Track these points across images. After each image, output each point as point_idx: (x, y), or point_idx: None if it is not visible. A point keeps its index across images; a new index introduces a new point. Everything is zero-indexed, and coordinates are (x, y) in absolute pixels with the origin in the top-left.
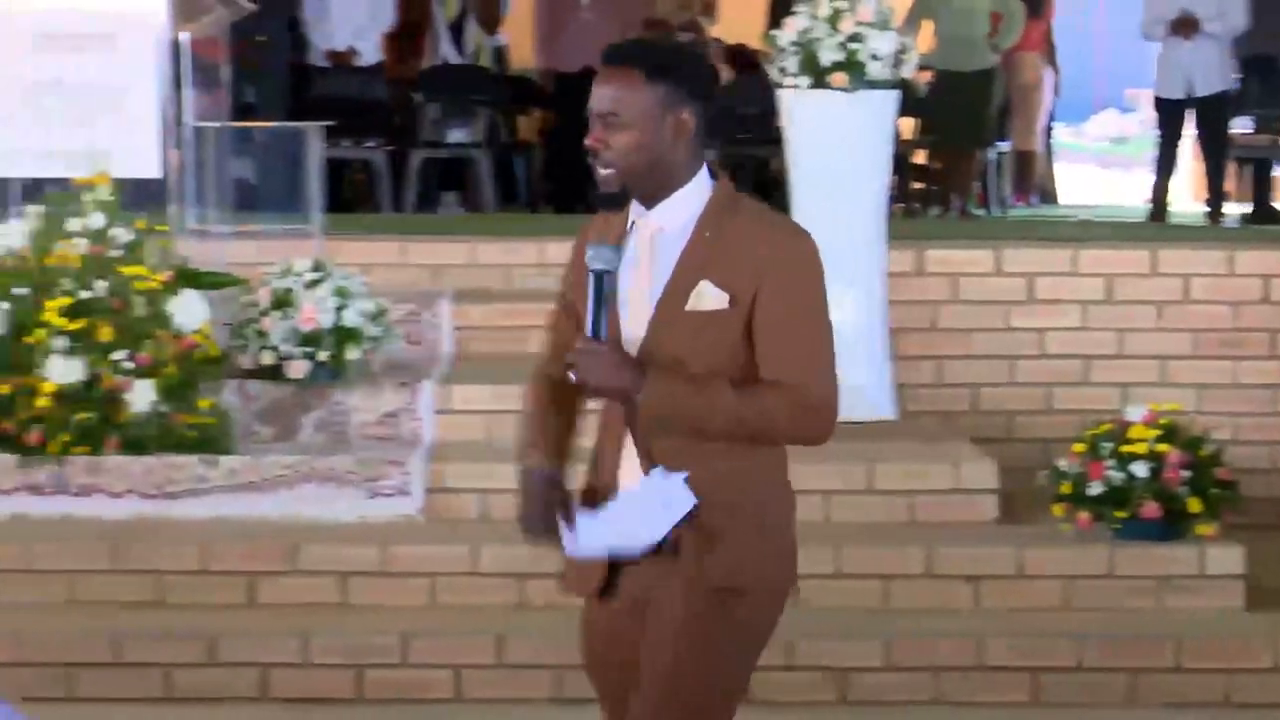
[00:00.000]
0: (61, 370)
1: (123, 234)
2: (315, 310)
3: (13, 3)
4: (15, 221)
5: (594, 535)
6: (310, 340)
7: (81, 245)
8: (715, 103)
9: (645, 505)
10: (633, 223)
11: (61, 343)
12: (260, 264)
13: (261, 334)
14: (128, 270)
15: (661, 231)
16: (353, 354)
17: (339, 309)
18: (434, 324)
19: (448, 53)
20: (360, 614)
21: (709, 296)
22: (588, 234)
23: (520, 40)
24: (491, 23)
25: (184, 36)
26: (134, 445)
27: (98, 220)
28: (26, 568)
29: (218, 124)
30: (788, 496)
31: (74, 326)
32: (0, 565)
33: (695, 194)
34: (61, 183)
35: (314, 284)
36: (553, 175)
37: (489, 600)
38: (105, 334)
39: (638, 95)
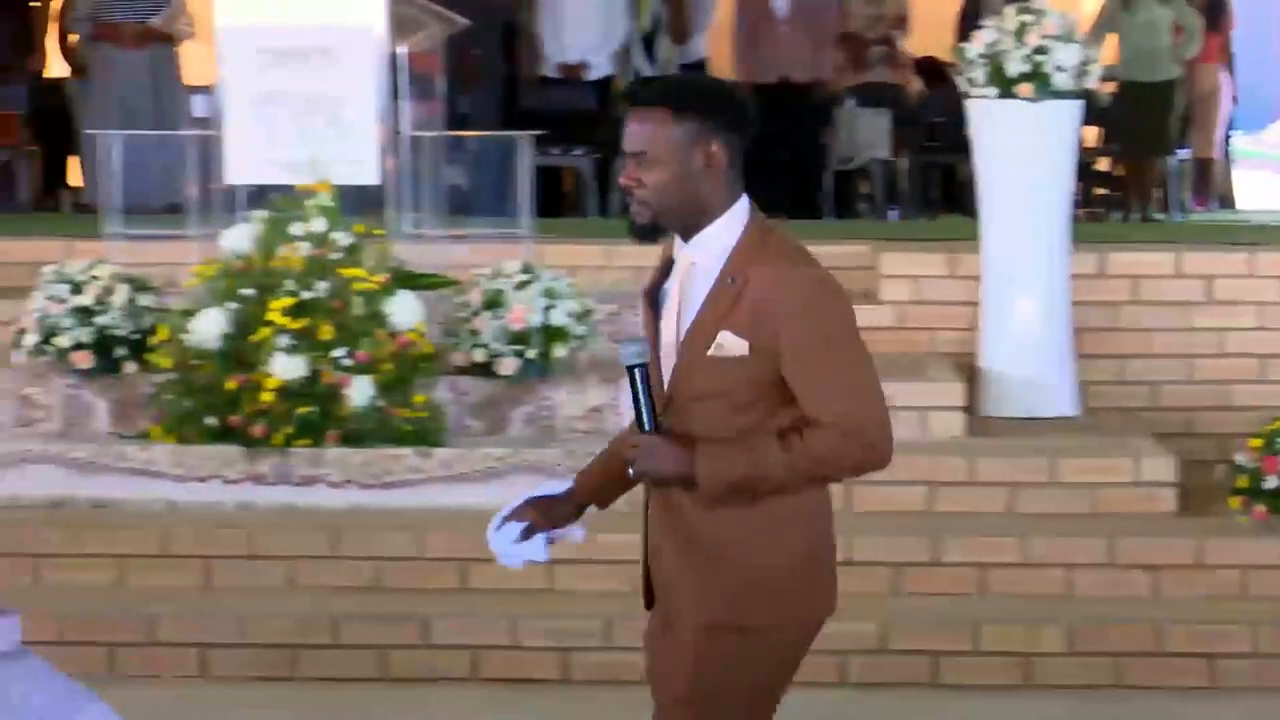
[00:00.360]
0: (285, 367)
1: (343, 238)
2: (524, 310)
3: (242, 20)
4: (242, 226)
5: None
6: (519, 339)
7: (304, 248)
8: (749, 135)
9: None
10: (675, 255)
11: (285, 341)
12: (472, 266)
13: (473, 333)
14: (347, 272)
15: (694, 266)
16: (559, 352)
17: (547, 309)
18: (636, 323)
19: (641, 65)
20: (565, 599)
21: (728, 345)
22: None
23: (720, 53)
24: (682, 35)
25: (401, 50)
26: (353, 438)
27: (319, 225)
28: (251, 554)
29: (433, 133)
30: (803, 532)
31: (296, 325)
32: (226, 551)
33: (727, 229)
34: (285, 189)
35: (523, 285)
36: (750, 183)
37: None
38: (326, 332)
39: (666, 132)
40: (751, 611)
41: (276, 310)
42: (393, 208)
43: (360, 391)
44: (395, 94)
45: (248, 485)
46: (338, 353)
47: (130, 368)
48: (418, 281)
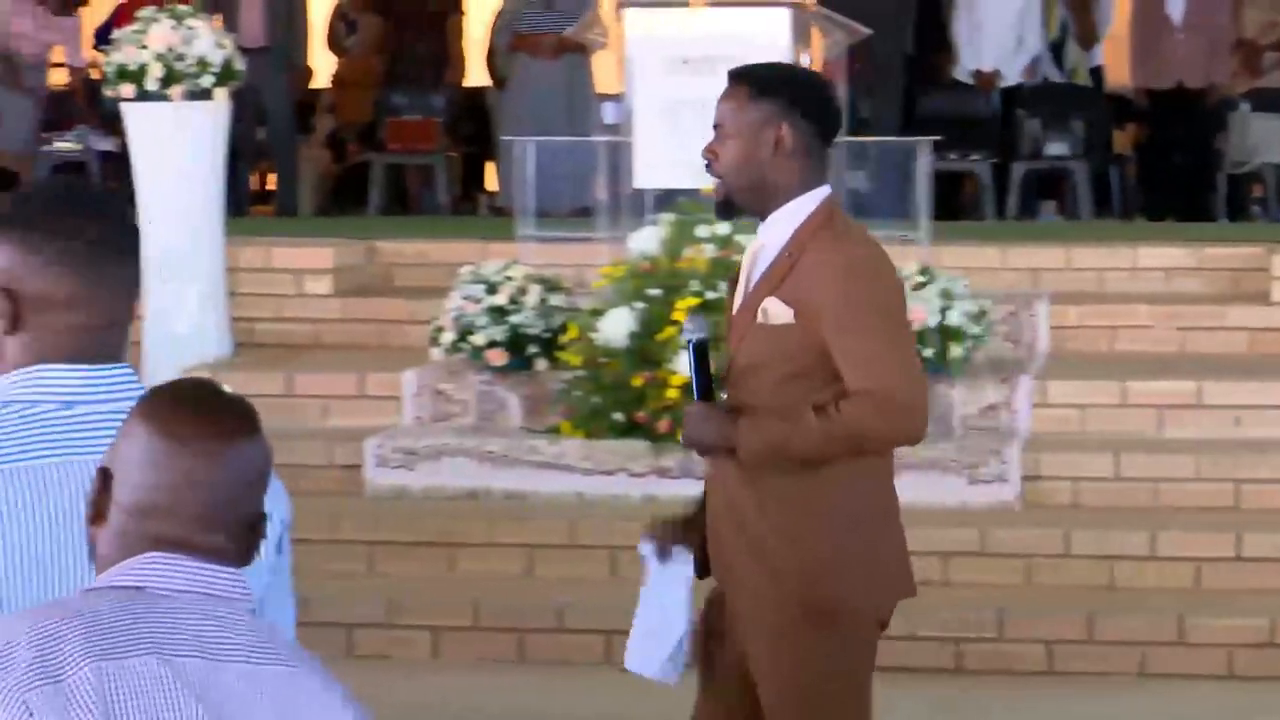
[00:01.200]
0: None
1: (746, 240)
2: (922, 311)
3: (652, 30)
4: (650, 228)
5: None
6: (917, 339)
7: (708, 250)
8: (831, 126)
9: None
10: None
11: None
12: None
13: None
14: None
15: (763, 248)
16: (956, 351)
17: (943, 309)
18: (1031, 324)
19: (1049, 71)
20: (959, 591)
21: (774, 313)
22: None
23: (1117, 60)
24: (1089, 40)
25: (805, 58)
26: None
27: (723, 227)
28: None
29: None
30: (862, 516)
31: None
32: (631, 542)
33: (796, 213)
34: (691, 193)
35: (920, 286)
36: (1146, 186)
37: (1080, 581)
38: None
39: (743, 109)
40: (821, 597)
41: (681, 310)
42: None
43: None
44: None
45: (652, 479)
46: None
47: (541, 365)
48: None
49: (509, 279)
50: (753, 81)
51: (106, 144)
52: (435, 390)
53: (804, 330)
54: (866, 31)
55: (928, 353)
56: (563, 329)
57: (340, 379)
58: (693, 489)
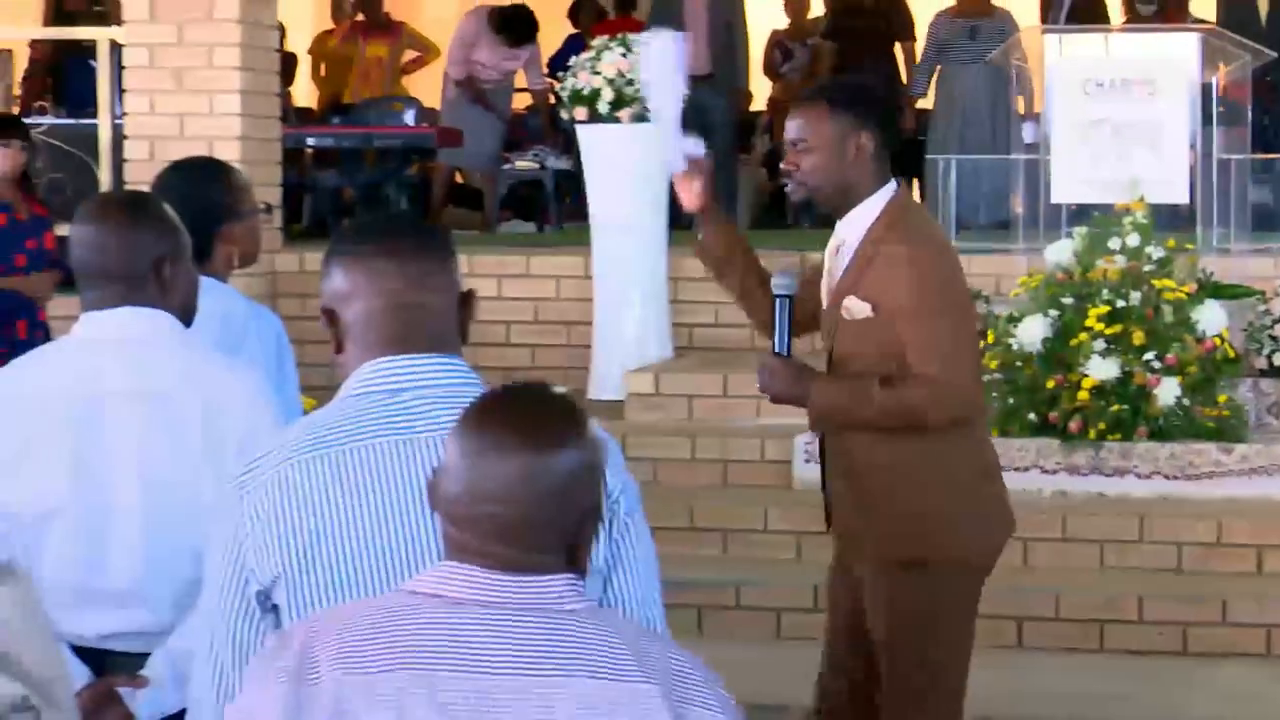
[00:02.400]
0: (1099, 368)
1: (1155, 252)
2: None
3: (1070, 54)
4: (1065, 241)
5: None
6: None
7: (1120, 261)
8: (896, 132)
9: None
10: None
11: (1100, 345)
12: (1276, 277)
13: (1273, 339)
14: (1158, 283)
15: (843, 244)
16: None
17: None
18: None
19: None
20: None
21: (854, 309)
22: None
23: None
24: None
25: (1213, 80)
26: (1160, 434)
27: (1134, 240)
28: (1064, 537)
29: (1240, 156)
30: (965, 466)
31: (1111, 331)
32: (1041, 534)
33: (871, 210)
34: (1104, 208)
35: None
36: None
37: None
38: (1138, 337)
39: (823, 124)
40: (931, 546)
41: (1094, 317)
42: (1201, 224)
43: (1168, 391)
44: (1208, 120)
45: (1063, 475)
46: (1148, 356)
47: None
48: (1223, 291)
49: None
50: (829, 98)
51: (561, 163)
52: None
53: (883, 324)
54: (1272, 54)
55: None
56: (982, 334)
57: None
58: (1097, 485)
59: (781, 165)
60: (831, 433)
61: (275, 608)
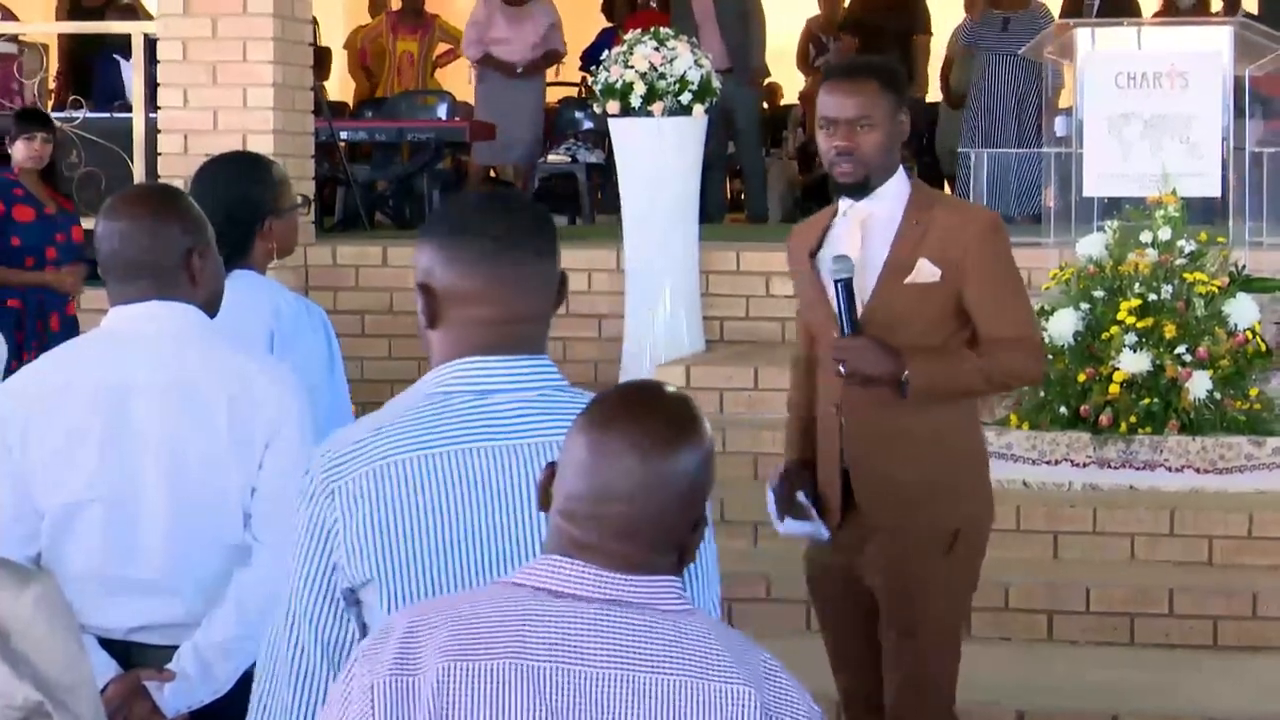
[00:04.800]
0: (1130, 361)
1: (1187, 245)
2: None
3: (1102, 48)
4: (1096, 235)
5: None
6: None
7: (1151, 254)
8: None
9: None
10: (843, 213)
11: (1131, 338)
12: None
13: None
14: (1190, 276)
15: (872, 217)
16: None
17: None
18: None
19: None
20: None
21: (925, 271)
22: (794, 238)
23: None
24: None
25: (1246, 72)
26: (1191, 427)
27: (1166, 233)
28: (1095, 530)
29: (1273, 148)
30: (979, 440)
31: (1142, 324)
32: (1073, 528)
33: (897, 186)
34: (1136, 201)
35: None
36: None
37: None
38: (1169, 331)
39: (881, 101)
40: (964, 517)
41: (1125, 310)
42: (1233, 217)
43: (1199, 385)
44: (1240, 113)
45: (1094, 468)
46: (1179, 349)
47: None
48: (1255, 285)
49: None
50: (880, 76)
51: (593, 156)
52: None
53: (945, 289)
54: None
55: None
56: None
57: None
58: (1128, 479)
59: (836, 144)
60: (854, 411)
61: (359, 602)
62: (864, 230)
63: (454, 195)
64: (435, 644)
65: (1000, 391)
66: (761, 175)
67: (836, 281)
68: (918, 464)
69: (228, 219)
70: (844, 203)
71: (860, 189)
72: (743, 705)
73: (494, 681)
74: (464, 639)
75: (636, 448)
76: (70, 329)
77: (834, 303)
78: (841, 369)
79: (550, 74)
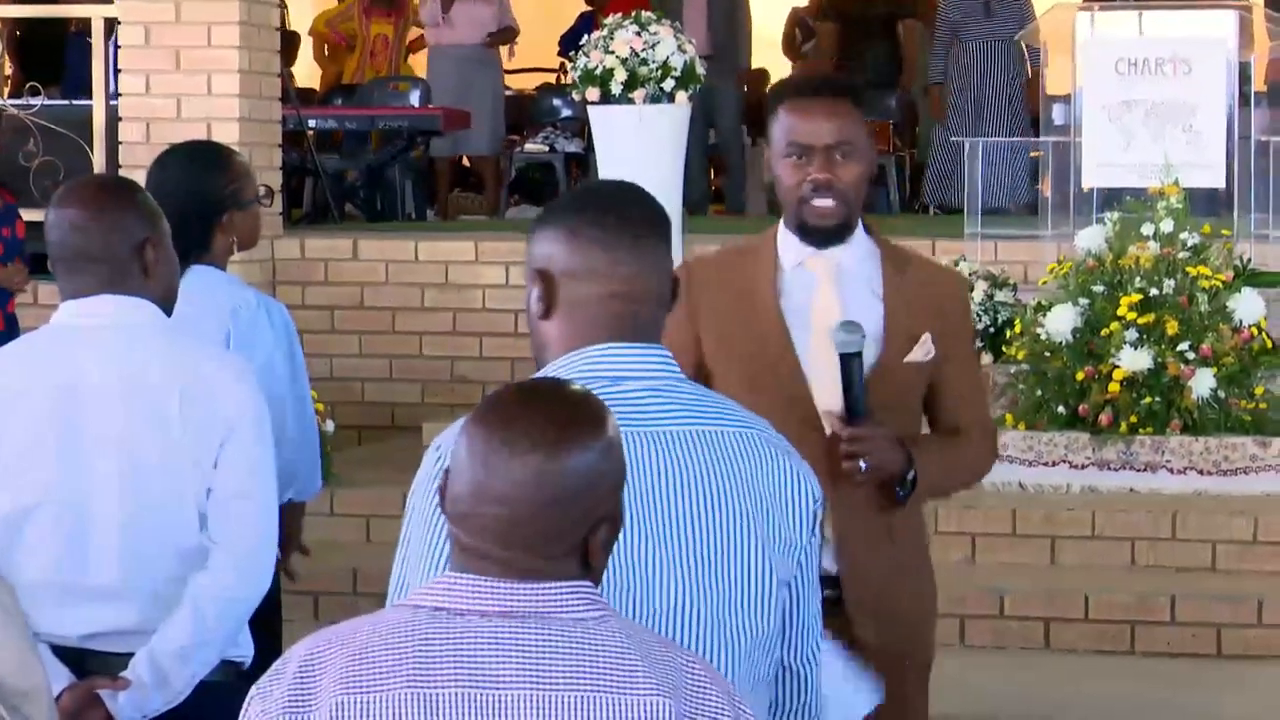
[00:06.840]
0: (1131, 359)
1: (1190, 237)
2: None
3: (1102, 34)
4: (1096, 227)
5: None
6: None
7: (1152, 248)
8: None
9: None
10: (799, 263)
11: (1132, 335)
12: None
13: None
14: (1193, 270)
15: (844, 272)
16: None
17: None
18: None
19: None
20: None
21: (925, 349)
22: (706, 270)
23: None
24: None
25: (1251, 59)
26: (1194, 427)
27: (1167, 225)
28: (1094, 534)
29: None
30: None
31: (1143, 320)
32: (1070, 532)
33: (860, 232)
34: (1137, 192)
35: None
36: None
37: None
38: (1171, 327)
39: (860, 125)
40: (931, 625)
41: (1125, 306)
42: (1238, 209)
43: (1203, 383)
44: (1245, 101)
45: (1093, 470)
46: (1182, 346)
47: (986, 359)
48: (1261, 279)
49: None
50: (851, 94)
51: (572, 146)
52: None
53: (928, 369)
54: None
55: None
56: (1009, 324)
57: None
58: (1129, 481)
59: (815, 176)
60: (850, 518)
61: None
62: (836, 284)
63: (576, 186)
64: (331, 677)
65: (957, 489)
66: (742, 170)
67: (844, 356)
68: (912, 580)
69: (186, 211)
70: (797, 249)
71: (839, 233)
72: (656, 717)
73: (391, 714)
74: (360, 670)
75: (508, 446)
76: (12, 327)
77: (827, 378)
78: (863, 465)
79: (527, 60)
